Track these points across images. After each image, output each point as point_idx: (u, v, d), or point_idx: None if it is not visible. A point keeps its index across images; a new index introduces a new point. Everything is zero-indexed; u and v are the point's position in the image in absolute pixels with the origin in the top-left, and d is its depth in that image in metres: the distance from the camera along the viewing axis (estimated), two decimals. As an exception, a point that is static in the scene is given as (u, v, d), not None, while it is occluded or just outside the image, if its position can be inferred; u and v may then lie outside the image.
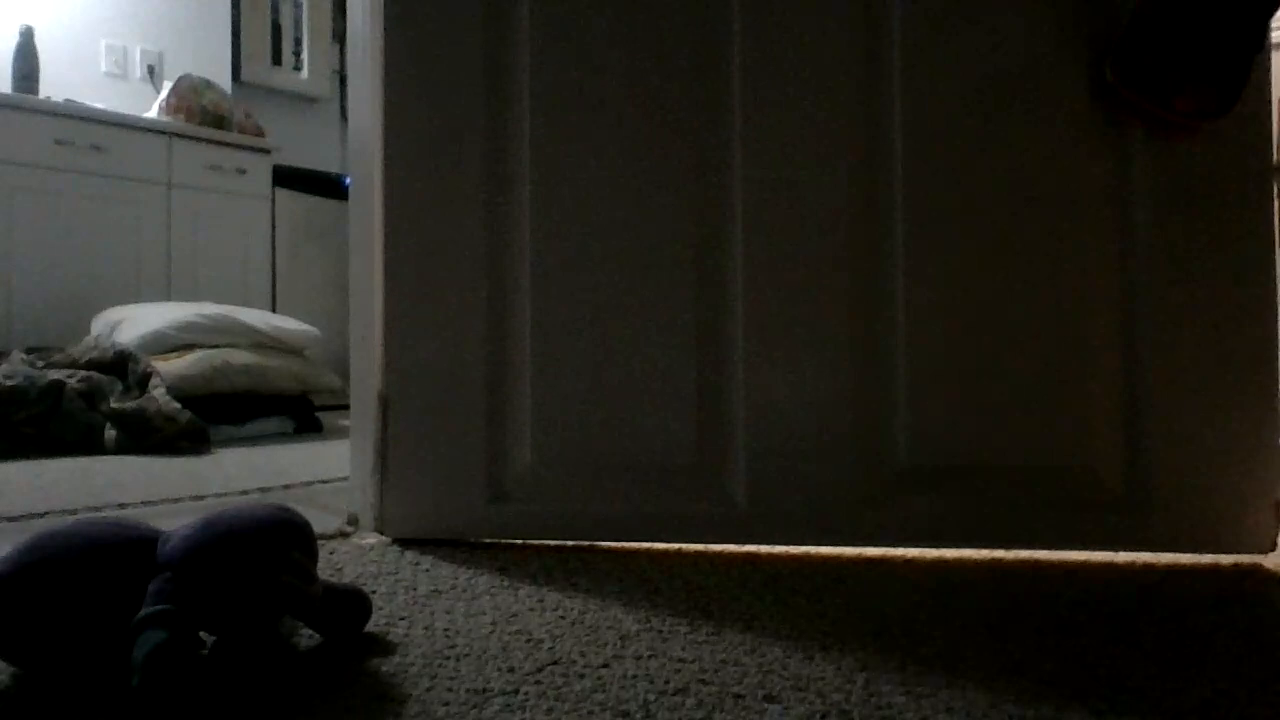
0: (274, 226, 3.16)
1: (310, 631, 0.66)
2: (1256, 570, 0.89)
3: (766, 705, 0.54)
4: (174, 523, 0.64)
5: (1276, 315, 0.92)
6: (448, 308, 0.99)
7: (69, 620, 0.56)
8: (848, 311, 0.95)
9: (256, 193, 3.11)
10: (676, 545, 0.97)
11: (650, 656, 0.62)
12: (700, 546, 0.96)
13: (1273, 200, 0.94)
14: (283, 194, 3.19)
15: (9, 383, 1.82)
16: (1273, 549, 0.91)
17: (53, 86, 2.89)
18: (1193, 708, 0.54)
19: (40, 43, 2.88)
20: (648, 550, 0.96)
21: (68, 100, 2.76)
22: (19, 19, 2.87)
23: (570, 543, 0.98)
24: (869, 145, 0.95)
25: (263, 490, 1.37)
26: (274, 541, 0.62)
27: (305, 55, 3.68)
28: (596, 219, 0.98)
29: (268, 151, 3.15)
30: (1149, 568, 0.89)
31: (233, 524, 0.62)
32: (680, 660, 0.61)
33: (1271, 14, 0.85)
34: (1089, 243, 0.94)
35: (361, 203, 1.04)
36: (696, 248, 0.97)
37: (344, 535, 1.01)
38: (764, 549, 0.96)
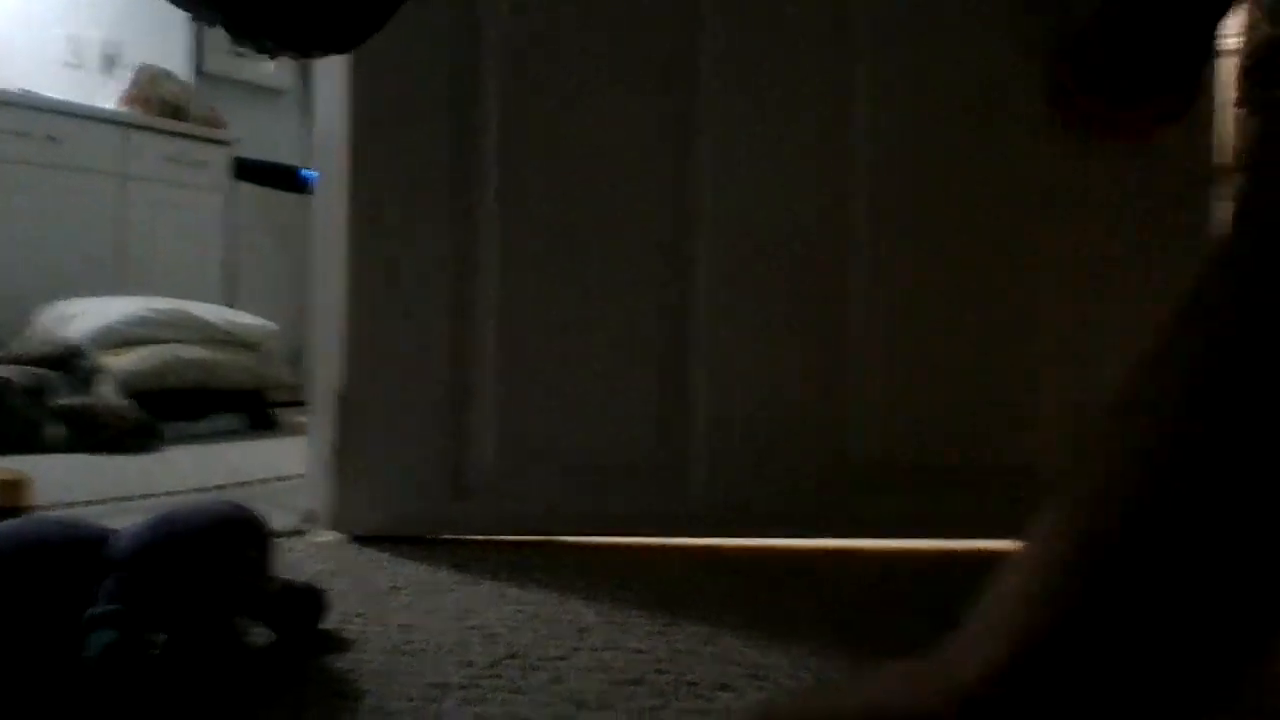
0: (233, 220, 3.10)
1: (265, 629, 0.65)
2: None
3: (720, 693, 0.55)
4: (125, 522, 0.63)
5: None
6: (411, 304, 0.98)
7: (17, 620, 0.55)
8: (811, 314, 0.97)
9: (215, 185, 3.05)
10: (638, 539, 0.98)
11: (608, 648, 0.63)
12: (662, 540, 0.97)
13: (1211, 203, 0.98)
14: (242, 187, 3.13)
15: (-51, 379, 1.76)
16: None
17: (8, 76, 2.79)
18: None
19: (-4, 32, 2.79)
20: (609, 544, 0.96)
21: (24, 91, 2.67)
22: (-27, 8, 2.78)
23: (532, 538, 0.98)
24: (835, 156, 0.97)
25: (217, 488, 1.35)
26: (227, 538, 0.62)
27: (266, 45, 3.61)
28: (563, 218, 0.98)
29: (227, 143, 3.09)
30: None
31: (185, 521, 0.61)
32: (637, 651, 0.62)
33: (1219, 24, 0.88)
34: (1042, 250, 0.97)
35: (326, 198, 1.03)
36: (664, 248, 0.98)
37: (300, 533, 1.00)
38: (725, 542, 0.97)
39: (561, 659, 0.61)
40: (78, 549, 0.58)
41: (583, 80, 0.98)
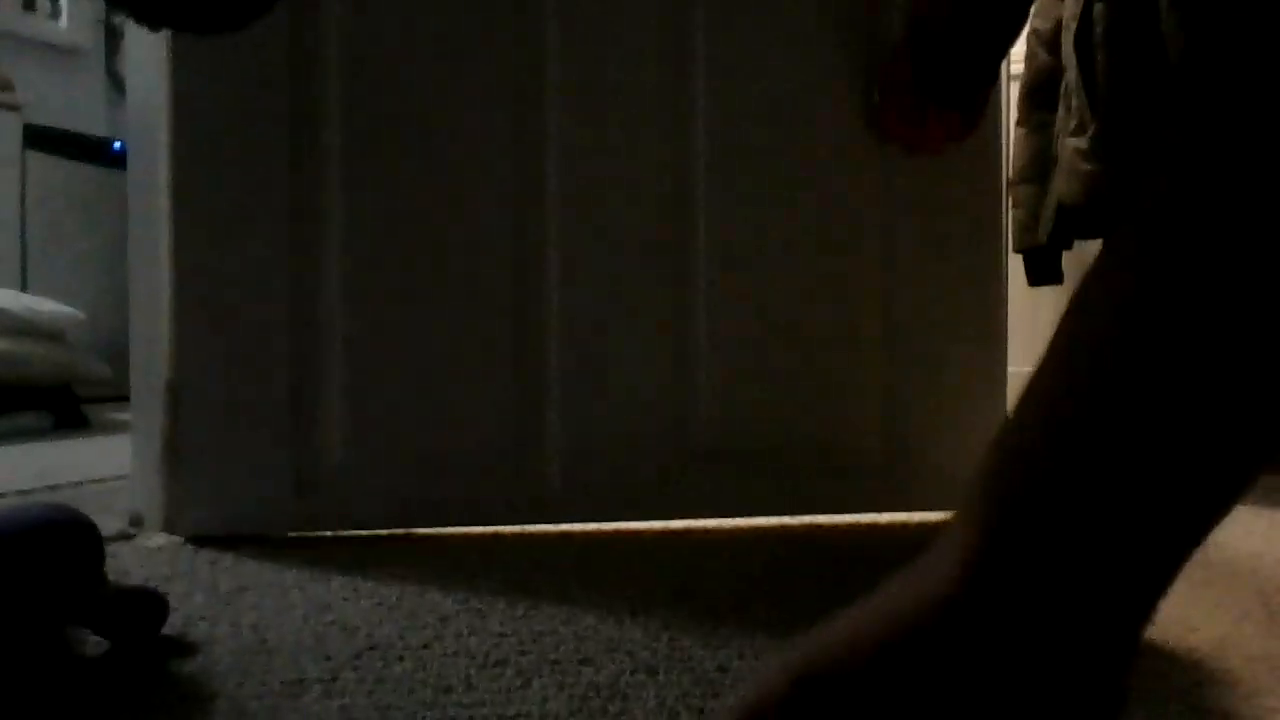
0: (25, 194, 2.77)
1: (100, 637, 0.62)
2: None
3: (581, 668, 0.58)
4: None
5: (1005, 305, 1.09)
6: (248, 288, 0.94)
7: None
8: (657, 311, 1.01)
9: (3, 155, 2.72)
10: (493, 529, 0.99)
11: (470, 634, 0.64)
12: (517, 528, 0.99)
13: (1002, 211, 1.11)
14: (36, 157, 2.80)
15: None
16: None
17: None
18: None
19: None
20: (464, 535, 0.97)
21: None
22: None
23: (385, 532, 0.97)
24: (676, 154, 1.01)
25: (22, 493, 1.23)
26: (52, 542, 0.58)
27: (64, 1, 3.24)
28: (411, 201, 0.97)
29: (17, 108, 2.76)
30: (905, 525, 1.03)
31: (6, 525, 0.56)
32: (499, 635, 0.64)
33: (1004, 54, 1.01)
34: (861, 247, 1.06)
35: (143, 170, 0.96)
36: (515, 238, 0.99)
37: (128, 536, 0.93)
38: (577, 528, 1.00)
39: (424, 647, 0.62)
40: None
41: (425, 64, 0.97)
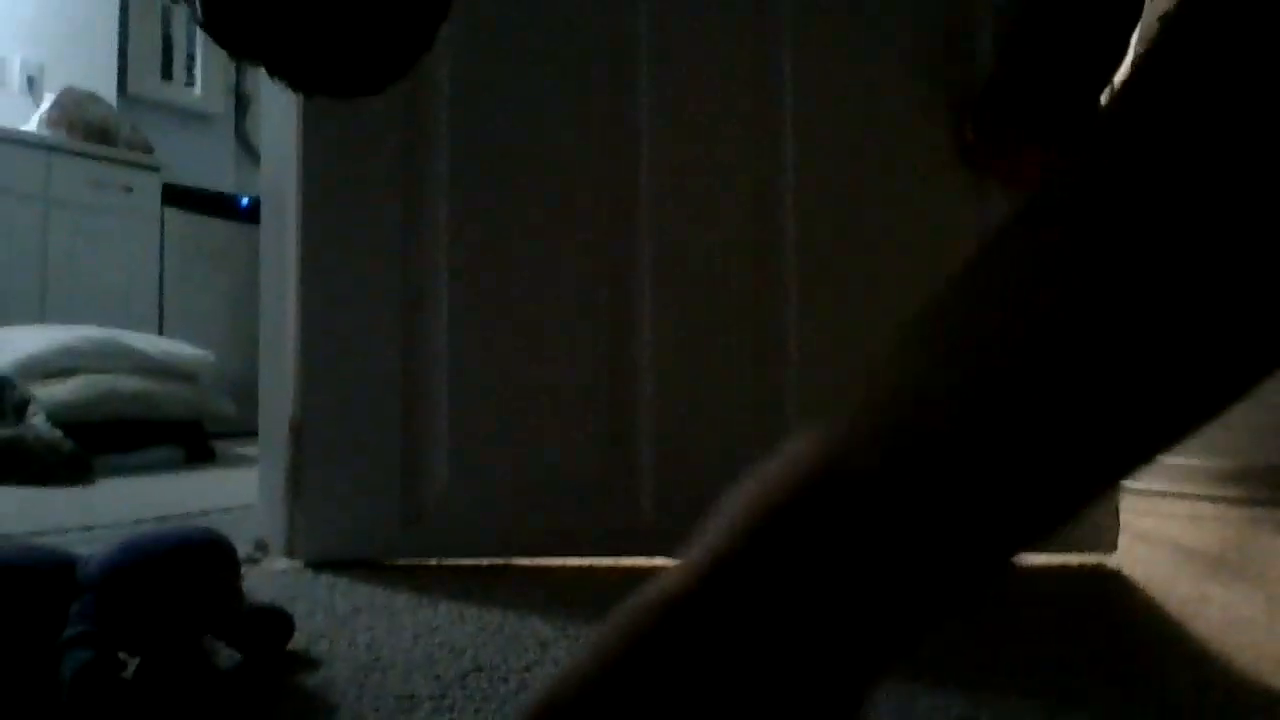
0: (162, 246, 3.04)
1: (231, 650, 0.67)
2: (1100, 568, 1.01)
3: (678, 696, 0.59)
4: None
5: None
6: (363, 332, 1.00)
7: (-16, 645, 0.55)
8: (747, 344, 1.02)
9: (144, 211, 2.99)
10: (589, 560, 1.01)
11: (569, 659, 0.66)
12: (612, 560, 1.01)
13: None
14: (172, 213, 3.07)
15: None
16: (1114, 550, 1.03)
17: (-76, 97, 2.70)
18: (1048, 688, 0.63)
19: (-92, 50, 2.70)
20: (562, 566, 1.00)
21: (-63, 112, 2.59)
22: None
23: (486, 561, 1.00)
24: (763, 182, 1.03)
25: (158, 520, 1.33)
26: (197, 560, 0.63)
27: (199, 70, 3.57)
28: (511, 249, 1.02)
29: (156, 169, 3.04)
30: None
31: (154, 543, 0.62)
32: (597, 662, 0.66)
33: (1107, 84, 0.99)
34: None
35: (274, 226, 1.05)
36: (609, 278, 1.02)
37: (253, 560, 1.00)
38: (671, 561, 1.01)
39: (526, 670, 0.64)
40: (48, 573, 0.59)
41: (529, 119, 1.02)
